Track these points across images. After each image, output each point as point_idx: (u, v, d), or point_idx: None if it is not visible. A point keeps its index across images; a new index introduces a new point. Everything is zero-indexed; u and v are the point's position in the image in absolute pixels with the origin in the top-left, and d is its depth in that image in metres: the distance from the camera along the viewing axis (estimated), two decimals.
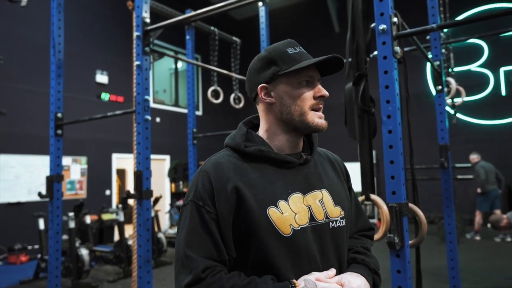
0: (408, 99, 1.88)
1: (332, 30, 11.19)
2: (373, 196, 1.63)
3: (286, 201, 1.02)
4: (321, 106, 1.09)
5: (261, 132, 1.14)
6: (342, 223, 1.09)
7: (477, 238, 7.67)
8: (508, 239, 7.44)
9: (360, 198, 1.68)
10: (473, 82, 9.38)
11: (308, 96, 1.07)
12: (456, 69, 5.59)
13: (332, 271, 1.03)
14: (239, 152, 1.08)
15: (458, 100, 3.84)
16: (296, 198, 1.04)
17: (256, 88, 1.11)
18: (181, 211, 1.07)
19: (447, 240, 2.99)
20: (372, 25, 1.75)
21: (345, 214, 1.11)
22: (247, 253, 1.01)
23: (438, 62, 3.04)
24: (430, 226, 9.45)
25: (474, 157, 7.64)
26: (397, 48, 1.66)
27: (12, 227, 7.13)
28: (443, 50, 3.47)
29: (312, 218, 1.04)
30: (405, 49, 3.32)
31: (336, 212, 1.09)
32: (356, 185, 1.36)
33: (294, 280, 0.97)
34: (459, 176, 9.44)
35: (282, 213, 1.00)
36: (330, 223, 1.07)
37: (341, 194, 1.14)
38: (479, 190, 7.61)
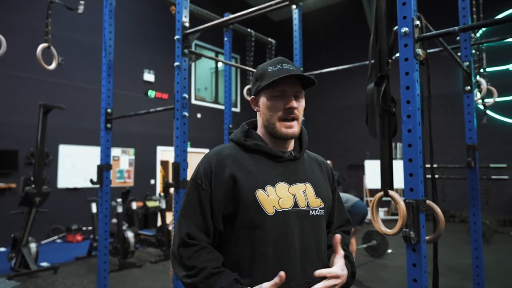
0: (430, 100, 1.84)
1: (366, 30, 10.91)
2: (391, 192, 1.62)
3: (273, 187, 1.15)
4: (290, 116, 1.18)
5: (258, 132, 1.29)
6: (321, 213, 1.21)
7: None
8: None
9: (379, 194, 1.67)
10: (510, 82, 8.84)
11: (278, 108, 1.18)
12: (492, 69, 5.31)
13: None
14: (240, 145, 1.24)
15: (489, 101, 3.66)
16: (282, 186, 1.16)
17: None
18: (186, 186, 1.24)
19: (472, 239, 2.88)
20: (395, 28, 1.73)
21: (324, 206, 1.23)
22: (234, 226, 1.14)
23: (467, 63, 2.92)
24: (461, 225, 9.06)
25: None
26: (419, 50, 1.63)
27: (70, 209, 7.60)
28: (474, 51, 3.31)
29: (295, 204, 1.16)
30: (435, 50, 3.21)
31: (316, 202, 1.20)
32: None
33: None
34: (494, 177, 8.99)
35: (268, 196, 1.13)
36: (310, 211, 1.18)
37: (323, 189, 1.26)
38: None
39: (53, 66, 2.93)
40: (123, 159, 8.67)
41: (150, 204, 8.07)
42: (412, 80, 1.60)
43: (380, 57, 1.73)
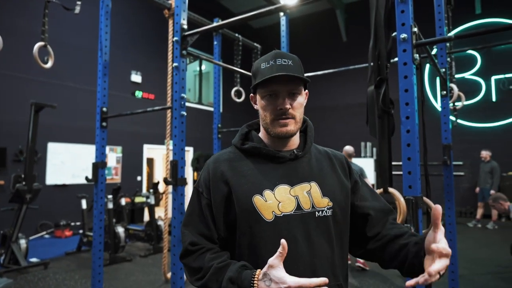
0: (423, 102, 1.83)
1: (340, 38, 11.03)
2: (391, 189, 1.59)
3: (272, 191, 1.02)
4: (284, 116, 1.03)
5: (260, 131, 1.16)
6: (329, 213, 1.04)
7: (479, 225, 7.86)
8: (479, 225, 7.80)
9: (378, 191, 1.64)
10: (466, 89, 9.16)
11: (271, 108, 1.05)
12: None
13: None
14: (239, 149, 1.13)
15: (458, 104, 3.74)
16: (282, 189, 1.03)
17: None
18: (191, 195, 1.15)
19: (447, 230, 2.92)
20: (393, 34, 1.70)
21: (333, 205, 1.05)
22: (235, 235, 1.03)
23: (443, 70, 2.95)
24: (423, 216, 9.32)
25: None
26: (416, 55, 1.61)
27: (58, 205, 7.26)
28: (448, 59, 3.37)
29: (298, 207, 1.02)
30: None
31: (323, 202, 1.04)
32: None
33: (258, 270, 0.91)
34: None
35: (266, 201, 1.01)
36: (316, 212, 1.03)
37: (332, 186, 1.08)
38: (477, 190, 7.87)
39: (49, 64, 2.75)
40: (111, 157, 8.37)
41: (138, 199, 7.84)
42: (411, 83, 1.57)
43: (379, 61, 1.70)
